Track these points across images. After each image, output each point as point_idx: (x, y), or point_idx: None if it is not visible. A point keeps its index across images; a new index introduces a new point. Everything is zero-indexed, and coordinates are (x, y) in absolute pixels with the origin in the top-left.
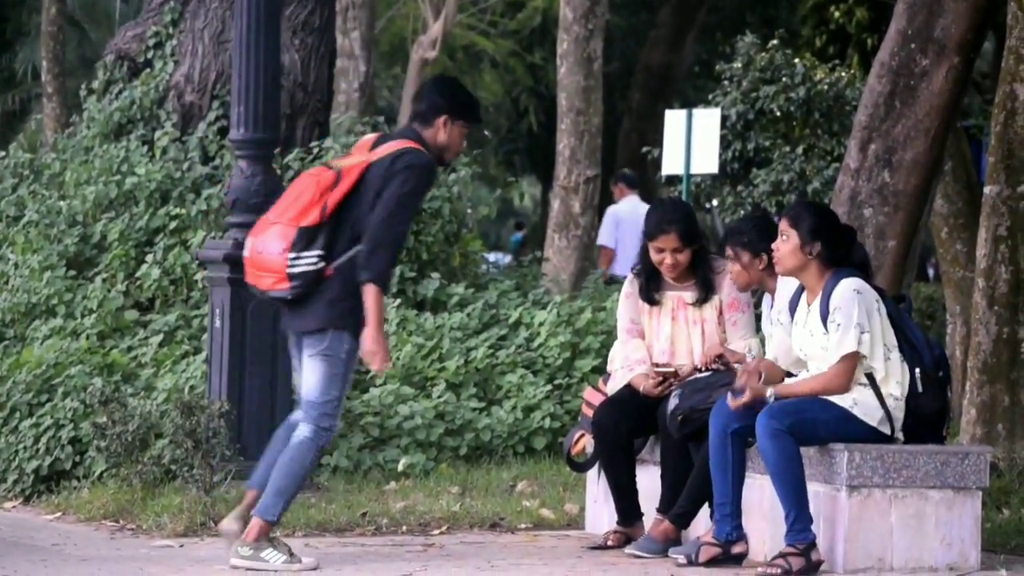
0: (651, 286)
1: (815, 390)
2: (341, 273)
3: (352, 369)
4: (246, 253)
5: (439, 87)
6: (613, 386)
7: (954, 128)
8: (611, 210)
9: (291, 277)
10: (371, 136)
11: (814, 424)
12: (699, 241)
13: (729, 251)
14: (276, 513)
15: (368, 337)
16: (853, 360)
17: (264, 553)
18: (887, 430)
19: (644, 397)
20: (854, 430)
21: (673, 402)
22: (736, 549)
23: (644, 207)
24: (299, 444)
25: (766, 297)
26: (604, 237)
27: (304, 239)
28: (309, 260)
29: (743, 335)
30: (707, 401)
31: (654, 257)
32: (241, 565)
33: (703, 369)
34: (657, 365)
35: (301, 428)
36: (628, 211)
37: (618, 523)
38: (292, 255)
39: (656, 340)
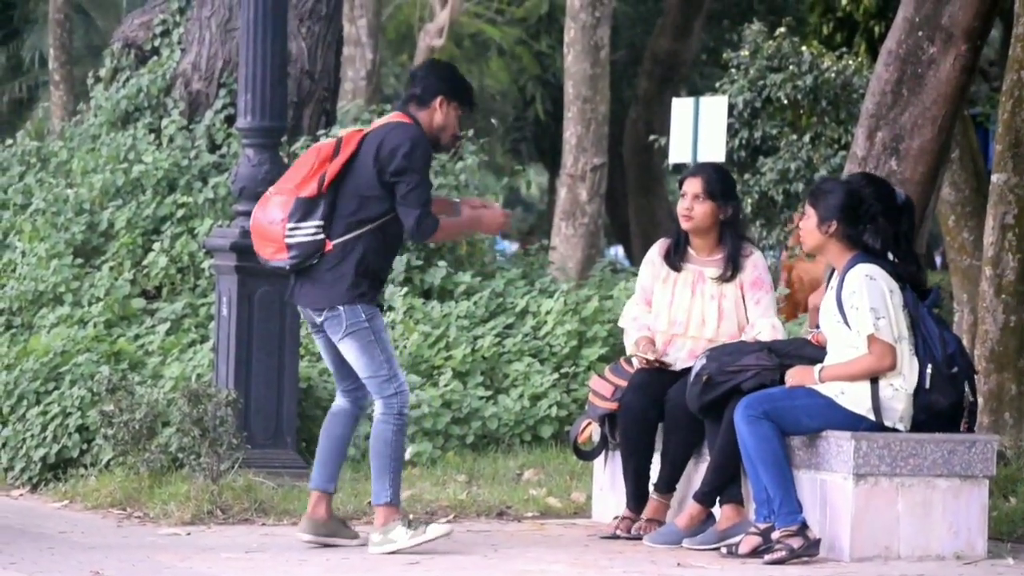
0: (677, 253)
1: (863, 371)
2: (344, 250)
3: (382, 331)
4: (251, 223)
5: (436, 70)
6: (627, 342)
7: (961, 116)
8: None
9: (289, 247)
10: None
11: (794, 411)
12: (727, 207)
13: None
14: (388, 495)
15: (479, 226)
16: (882, 341)
17: (392, 534)
18: (874, 419)
19: (668, 378)
20: (838, 418)
21: (700, 363)
22: (776, 535)
23: None
24: (376, 424)
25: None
26: None
27: (302, 209)
28: (307, 231)
29: (765, 314)
30: (734, 364)
31: (679, 206)
32: (376, 552)
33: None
34: (657, 356)
35: (375, 407)
36: None
37: (629, 508)
38: (290, 225)
39: (669, 308)
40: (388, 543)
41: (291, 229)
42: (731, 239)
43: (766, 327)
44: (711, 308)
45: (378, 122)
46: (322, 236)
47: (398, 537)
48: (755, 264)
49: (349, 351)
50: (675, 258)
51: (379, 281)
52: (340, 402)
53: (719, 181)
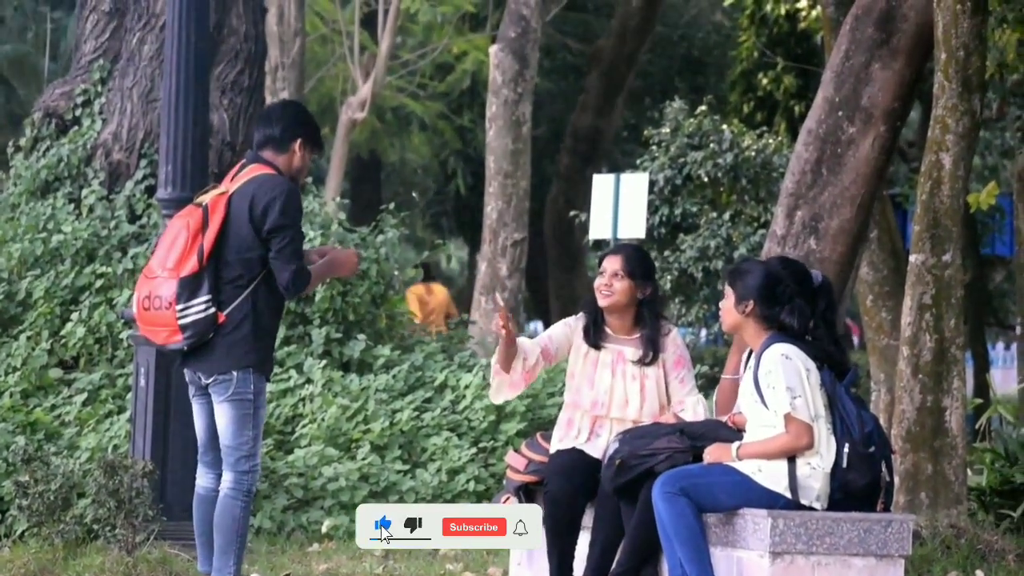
0: (596, 332)
1: (779, 450)
2: (238, 315)
3: (262, 407)
4: (134, 308)
5: (293, 113)
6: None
7: (880, 196)
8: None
9: (183, 328)
10: (239, 165)
11: (711, 488)
12: (645, 287)
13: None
14: (231, 571)
15: (335, 270)
16: (798, 420)
17: None
18: (791, 497)
19: (590, 461)
20: (755, 495)
21: (612, 447)
22: None
23: None
24: (224, 497)
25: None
26: None
27: (188, 288)
28: (198, 308)
29: (691, 392)
30: (646, 448)
31: (596, 283)
32: None
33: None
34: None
35: (224, 478)
36: None
37: None
38: (180, 306)
39: (591, 388)
40: None
41: (182, 310)
42: (650, 319)
43: (695, 404)
44: (633, 389)
45: (240, 177)
46: (213, 309)
47: None
48: (675, 342)
49: (223, 415)
50: (594, 337)
51: (273, 342)
52: (206, 483)
53: (639, 261)
